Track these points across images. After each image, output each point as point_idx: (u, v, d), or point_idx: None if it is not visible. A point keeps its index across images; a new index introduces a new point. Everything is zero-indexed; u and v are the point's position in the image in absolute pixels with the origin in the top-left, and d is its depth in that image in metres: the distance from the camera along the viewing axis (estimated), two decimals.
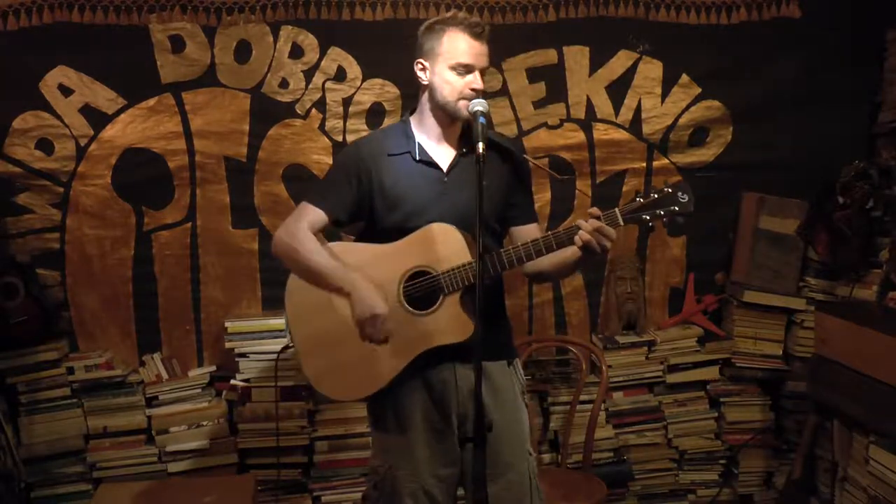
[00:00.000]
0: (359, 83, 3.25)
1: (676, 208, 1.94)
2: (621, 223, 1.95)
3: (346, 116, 3.26)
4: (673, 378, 3.36)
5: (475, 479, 1.70)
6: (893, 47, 3.31)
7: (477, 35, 2.05)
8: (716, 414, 3.38)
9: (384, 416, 2.17)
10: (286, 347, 3.10)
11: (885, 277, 3.04)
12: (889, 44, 3.33)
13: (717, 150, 3.43)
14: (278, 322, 3.16)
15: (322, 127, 3.27)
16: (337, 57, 3.23)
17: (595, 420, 3.06)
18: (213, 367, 3.28)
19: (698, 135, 3.43)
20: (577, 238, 1.94)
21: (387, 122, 3.27)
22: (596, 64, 3.34)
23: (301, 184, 3.26)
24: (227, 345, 3.14)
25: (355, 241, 2.25)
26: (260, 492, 3.11)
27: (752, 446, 3.37)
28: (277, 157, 3.26)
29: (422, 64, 2.12)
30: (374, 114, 3.27)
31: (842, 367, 2.84)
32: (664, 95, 3.38)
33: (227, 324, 3.15)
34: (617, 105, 3.37)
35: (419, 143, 2.14)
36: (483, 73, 2.08)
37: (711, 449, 3.38)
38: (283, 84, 3.23)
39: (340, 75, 3.24)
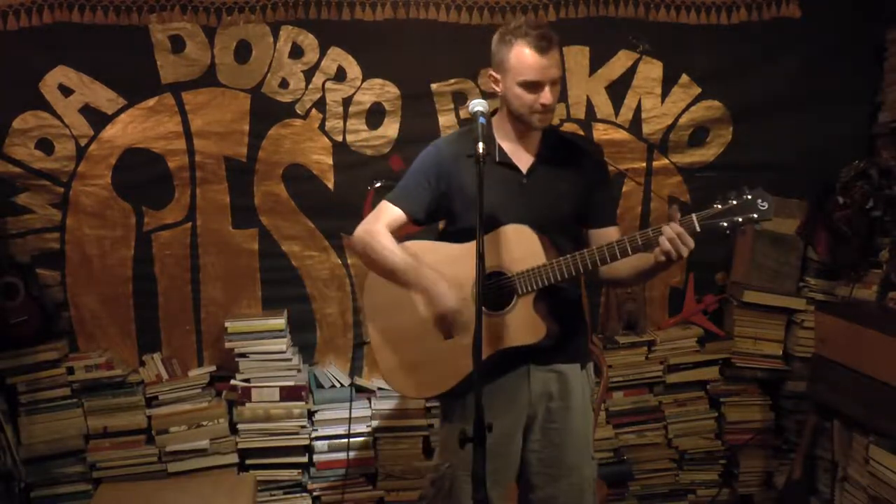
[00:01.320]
0: (359, 83, 3.25)
1: (755, 216, 1.88)
2: (697, 229, 1.90)
3: (346, 116, 3.26)
4: (673, 378, 3.36)
5: (474, 479, 1.70)
6: (893, 47, 3.31)
7: (543, 50, 2.01)
8: (716, 414, 3.38)
9: (453, 414, 2.18)
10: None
11: (885, 277, 3.04)
12: (889, 44, 3.33)
13: (717, 150, 3.43)
14: (278, 322, 3.16)
15: (322, 127, 3.27)
16: (337, 57, 3.23)
17: (595, 420, 3.05)
18: (213, 367, 3.28)
19: (698, 135, 3.43)
20: (659, 244, 1.90)
21: (387, 122, 3.27)
22: (596, 64, 3.34)
23: (301, 184, 3.27)
24: (227, 345, 3.14)
25: (435, 240, 2.26)
26: (260, 492, 3.11)
27: (752, 446, 3.37)
28: (277, 157, 3.26)
29: (493, 76, 2.12)
30: (374, 114, 3.27)
31: (842, 367, 2.84)
32: (664, 95, 3.38)
33: (227, 324, 3.15)
34: (617, 105, 3.37)
35: (499, 145, 2.14)
36: (556, 82, 2.05)
37: (711, 449, 3.38)
38: (283, 84, 3.23)
39: (340, 75, 3.24)
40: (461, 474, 2.13)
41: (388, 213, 2.17)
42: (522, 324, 2.05)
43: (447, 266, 2.11)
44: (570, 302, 2.20)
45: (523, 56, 2.02)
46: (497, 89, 2.13)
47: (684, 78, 3.37)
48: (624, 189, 3.41)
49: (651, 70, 3.35)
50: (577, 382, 2.19)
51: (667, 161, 3.42)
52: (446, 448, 2.21)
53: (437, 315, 2.06)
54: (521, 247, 2.05)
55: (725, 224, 1.89)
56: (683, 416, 3.37)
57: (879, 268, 3.10)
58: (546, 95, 2.03)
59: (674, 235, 1.88)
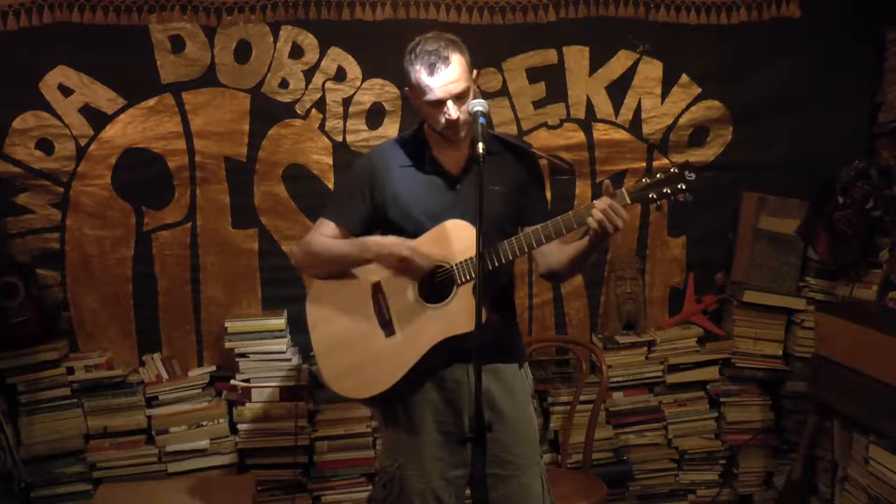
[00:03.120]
0: (359, 83, 3.25)
1: (682, 186, 1.93)
2: (628, 201, 1.94)
3: (346, 116, 3.26)
4: (673, 378, 3.36)
5: (475, 479, 1.70)
6: (893, 47, 3.31)
7: (434, 70, 2.00)
8: (716, 414, 3.38)
9: (395, 415, 2.17)
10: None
11: (885, 277, 3.04)
12: (889, 44, 3.33)
13: (717, 150, 3.43)
14: (278, 322, 3.16)
15: (322, 127, 3.27)
16: (337, 57, 3.23)
17: (595, 420, 3.06)
18: (213, 367, 3.28)
19: (698, 135, 3.43)
20: (590, 216, 1.92)
21: (387, 122, 3.27)
22: (596, 64, 3.34)
23: (301, 184, 3.27)
24: (227, 345, 3.14)
25: None
26: (260, 492, 3.11)
27: (752, 446, 3.37)
28: (277, 157, 3.26)
29: (408, 92, 2.12)
30: (374, 114, 3.27)
31: (842, 367, 2.84)
32: (664, 95, 3.38)
33: (227, 324, 3.15)
34: (617, 105, 3.37)
35: (430, 153, 2.15)
36: (460, 96, 2.03)
37: (711, 449, 3.38)
38: (283, 84, 3.23)
39: (340, 75, 3.24)
40: (409, 473, 2.13)
41: (324, 229, 2.19)
42: (463, 312, 2.05)
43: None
44: (505, 297, 2.22)
45: (419, 77, 2.03)
46: (414, 102, 2.14)
47: (684, 78, 3.37)
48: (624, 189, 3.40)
49: (651, 70, 3.35)
50: (516, 381, 2.19)
51: (667, 161, 3.42)
52: (392, 448, 2.20)
53: (400, 260, 2.05)
54: (459, 240, 2.06)
55: (654, 195, 1.94)
56: (683, 416, 3.37)
57: (879, 268, 3.10)
58: (449, 111, 2.02)
59: (605, 207, 1.91)
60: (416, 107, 2.13)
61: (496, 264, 2.04)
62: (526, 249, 2.04)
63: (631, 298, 3.40)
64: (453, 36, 2.08)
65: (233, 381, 3.17)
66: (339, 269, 2.17)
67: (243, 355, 3.14)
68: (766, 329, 3.36)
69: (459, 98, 2.04)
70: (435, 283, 2.09)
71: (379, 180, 2.15)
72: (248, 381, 3.15)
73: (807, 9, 3.36)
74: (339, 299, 2.17)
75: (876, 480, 2.67)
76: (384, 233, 2.19)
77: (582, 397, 3.17)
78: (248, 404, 3.15)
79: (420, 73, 2.02)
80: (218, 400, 3.23)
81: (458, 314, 2.06)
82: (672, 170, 1.94)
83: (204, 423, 3.16)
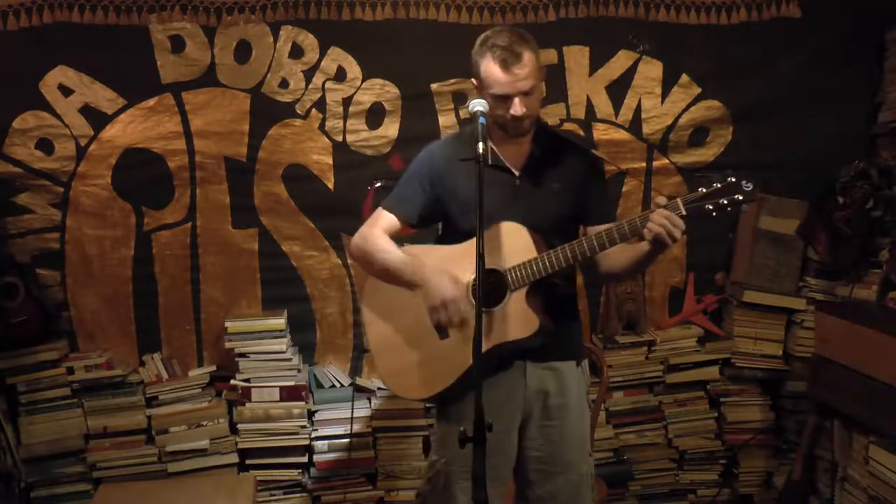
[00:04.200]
0: (359, 83, 3.25)
1: (740, 197, 1.87)
2: (683, 212, 1.89)
3: (346, 116, 3.26)
4: (673, 378, 3.36)
5: (475, 479, 1.70)
6: (893, 47, 3.31)
7: (508, 65, 2.00)
8: (716, 414, 3.38)
9: (448, 411, 2.19)
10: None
11: (885, 277, 3.04)
12: (889, 44, 3.33)
13: (717, 150, 3.43)
14: (278, 322, 3.17)
15: (322, 127, 3.27)
16: (337, 57, 3.23)
17: (595, 420, 3.06)
18: (213, 367, 3.28)
19: (698, 135, 3.43)
20: (647, 227, 1.89)
21: (387, 122, 3.27)
22: (596, 64, 3.34)
23: (301, 184, 3.27)
24: (227, 345, 3.14)
25: (433, 244, 2.27)
26: (260, 492, 3.11)
27: (752, 446, 3.37)
28: (277, 157, 3.26)
29: (474, 84, 2.12)
30: (374, 114, 3.27)
31: (842, 367, 2.84)
32: (664, 95, 3.38)
33: (227, 324, 3.15)
34: (617, 105, 3.37)
35: (492, 148, 2.13)
36: (528, 93, 2.03)
37: (711, 449, 3.38)
38: (283, 84, 3.23)
39: (340, 75, 3.24)
40: (456, 470, 2.14)
41: (383, 219, 2.20)
42: (515, 318, 2.05)
43: (443, 266, 2.12)
44: (563, 297, 2.20)
45: (490, 70, 2.02)
46: (481, 97, 2.12)
47: (684, 78, 3.37)
48: (624, 189, 3.41)
49: (651, 70, 3.35)
50: (573, 379, 2.19)
51: (667, 161, 3.42)
52: (442, 445, 2.22)
53: (437, 305, 2.06)
54: (512, 243, 2.06)
55: (711, 206, 1.89)
56: (683, 416, 3.36)
57: (879, 268, 3.10)
58: (516, 107, 2.02)
59: (663, 219, 1.87)
60: (482, 96, 2.09)
61: (549, 270, 2.02)
62: (580, 257, 2.01)
63: (631, 298, 3.40)
64: (526, 32, 2.07)
65: (233, 381, 3.17)
66: (389, 278, 2.18)
67: (243, 355, 3.14)
68: (766, 329, 3.35)
69: (527, 95, 2.03)
70: (486, 287, 2.05)
71: (438, 174, 2.15)
72: (248, 381, 3.15)
73: (807, 9, 3.36)
74: (394, 299, 2.18)
75: (876, 480, 2.67)
76: (443, 226, 2.21)
77: None
78: (248, 404, 3.15)
79: (491, 67, 2.02)
80: (218, 400, 3.24)
81: (511, 321, 2.05)
82: (729, 179, 1.89)
83: (204, 423, 3.16)
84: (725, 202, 1.88)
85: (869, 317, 2.88)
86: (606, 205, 2.27)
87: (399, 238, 2.23)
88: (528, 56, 2.02)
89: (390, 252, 2.16)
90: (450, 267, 2.11)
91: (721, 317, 3.50)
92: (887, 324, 2.74)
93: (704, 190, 1.89)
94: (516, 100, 2.02)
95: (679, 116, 3.39)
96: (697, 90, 3.38)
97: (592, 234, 2.00)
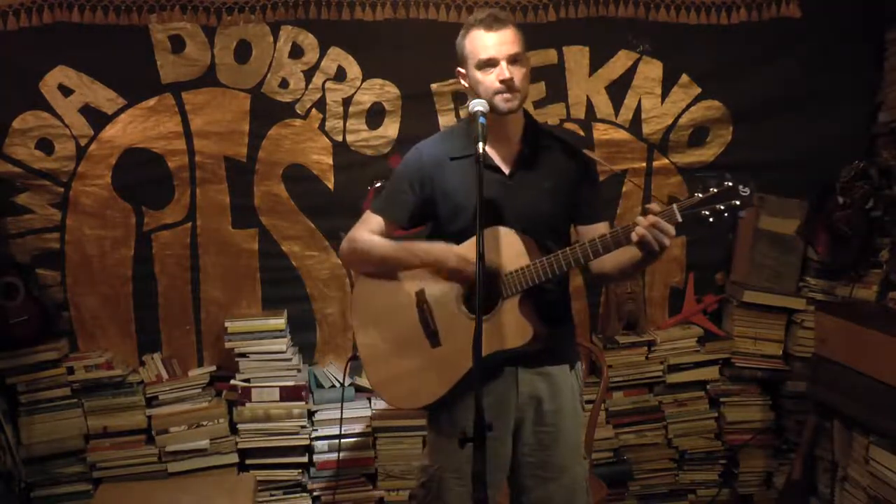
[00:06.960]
0: (359, 83, 3.25)
1: (737, 202, 1.84)
2: (679, 219, 1.86)
3: (346, 116, 3.26)
4: (673, 378, 3.36)
5: (475, 479, 1.70)
6: (893, 47, 3.31)
7: (489, 26, 2.00)
8: (716, 414, 3.38)
9: (439, 417, 2.17)
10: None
11: (885, 277, 3.04)
12: (889, 44, 3.33)
13: (717, 150, 3.43)
14: (278, 322, 3.17)
15: (322, 127, 3.27)
16: (337, 57, 3.23)
17: (595, 420, 3.06)
18: (213, 367, 3.28)
19: (698, 135, 3.43)
20: (633, 234, 1.86)
21: (387, 122, 3.27)
22: (596, 64, 3.34)
23: (301, 184, 3.27)
24: (227, 345, 3.14)
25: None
26: (260, 492, 3.11)
27: (752, 446, 3.37)
28: (277, 157, 3.26)
29: (459, 72, 2.11)
30: (374, 114, 3.27)
31: (842, 367, 2.84)
32: (664, 95, 3.38)
33: (227, 324, 3.15)
34: (617, 105, 3.37)
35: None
36: (514, 60, 2.01)
37: (711, 449, 3.38)
38: (283, 84, 3.23)
39: (340, 75, 3.24)
40: (449, 476, 2.13)
41: (371, 222, 2.17)
42: (509, 326, 2.03)
43: (429, 274, 2.11)
44: (556, 303, 2.17)
45: (475, 38, 2.02)
46: (465, 85, 2.10)
47: (684, 78, 3.36)
48: (624, 189, 3.41)
49: (651, 70, 3.35)
50: (566, 384, 2.17)
51: (667, 161, 3.42)
52: (435, 450, 2.20)
53: (450, 269, 2.04)
54: (504, 249, 2.02)
55: (707, 212, 1.85)
56: (683, 416, 3.37)
57: (879, 268, 3.10)
58: (503, 71, 1.99)
59: (648, 226, 1.84)
60: (468, 85, 2.08)
61: (542, 278, 2.00)
62: (573, 265, 1.98)
63: (631, 298, 3.40)
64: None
65: (233, 381, 3.17)
66: (385, 270, 2.16)
67: (243, 355, 3.14)
68: (766, 329, 3.35)
69: (513, 63, 2.01)
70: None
71: (427, 174, 2.12)
72: (248, 381, 3.15)
73: (807, 9, 3.36)
74: (383, 306, 2.15)
75: (876, 480, 2.67)
76: (432, 228, 2.18)
77: None
78: (248, 404, 3.15)
79: (474, 34, 2.02)
80: (218, 400, 3.24)
81: (505, 329, 2.03)
82: (726, 183, 1.85)
83: (204, 423, 3.16)
84: (722, 208, 1.85)
85: (869, 317, 2.88)
86: (598, 204, 2.22)
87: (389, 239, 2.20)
88: (511, 26, 2.03)
89: (384, 243, 2.14)
90: (436, 274, 2.09)
91: (721, 317, 3.50)
92: (887, 324, 2.74)
93: (701, 196, 1.86)
94: (503, 63, 2.00)
95: (679, 116, 3.39)
96: (697, 90, 3.38)
97: (586, 241, 1.97)
